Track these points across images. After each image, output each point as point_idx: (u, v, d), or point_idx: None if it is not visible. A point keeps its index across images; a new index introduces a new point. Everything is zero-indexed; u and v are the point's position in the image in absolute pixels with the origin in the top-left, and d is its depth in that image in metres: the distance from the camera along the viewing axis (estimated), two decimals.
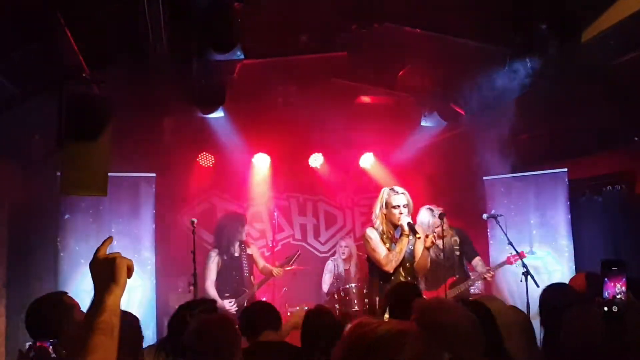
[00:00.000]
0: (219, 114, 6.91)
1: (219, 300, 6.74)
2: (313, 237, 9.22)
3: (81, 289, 6.80)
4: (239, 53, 4.66)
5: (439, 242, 6.35)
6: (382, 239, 5.48)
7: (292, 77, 6.73)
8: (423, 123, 7.32)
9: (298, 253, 7.30)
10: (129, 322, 3.03)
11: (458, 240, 6.73)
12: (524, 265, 5.95)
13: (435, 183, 8.09)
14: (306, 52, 6.07)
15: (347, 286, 7.56)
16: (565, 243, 7.33)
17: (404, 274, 5.43)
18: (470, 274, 6.85)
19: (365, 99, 7.59)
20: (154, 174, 7.29)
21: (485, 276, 6.54)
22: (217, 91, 5.86)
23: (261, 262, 7.24)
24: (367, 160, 8.73)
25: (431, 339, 1.14)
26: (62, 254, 6.82)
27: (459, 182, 8.11)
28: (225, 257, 6.96)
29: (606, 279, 2.21)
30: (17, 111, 5.01)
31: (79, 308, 3.50)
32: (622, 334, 2.11)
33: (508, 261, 6.53)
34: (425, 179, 8.29)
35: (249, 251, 7.15)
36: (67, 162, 4.33)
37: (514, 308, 3.13)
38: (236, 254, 7.04)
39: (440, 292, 6.30)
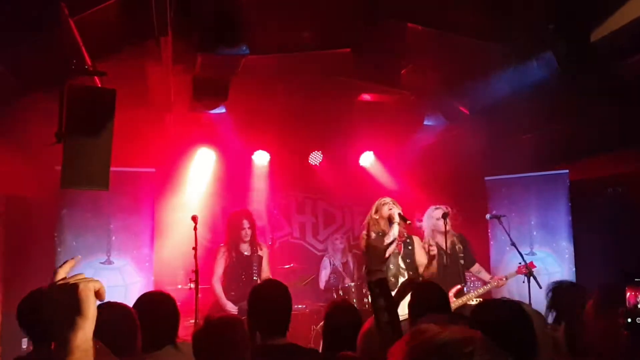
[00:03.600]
0: (220, 109, 6.85)
1: (223, 299, 6.61)
2: (311, 236, 9.18)
3: None
4: (244, 48, 4.60)
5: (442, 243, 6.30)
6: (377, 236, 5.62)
7: (294, 74, 6.66)
8: (426, 122, 7.28)
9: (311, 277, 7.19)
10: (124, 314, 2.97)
11: (462, 247, 6.50)
12: (526, 266, 5.91)
13: (436, 182, 8.05)
14: (309, 48, 6.02)
15: (347, 285, 7.51)
16: (566, 245, 7.32)
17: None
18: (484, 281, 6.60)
19: (368, 96, 7.53)
20: (153, 169, 7.23)
21: (497, 285, 6.34)
22: (219, 87, 5.80)
23: (265, 271, 6.90)
24: (368, 159, 8.68)
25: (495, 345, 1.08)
26: (59, 249, 6.75)
27: (461, 182, 8.06)
28: (233, 255, 6.77)
29: (627, 288, 2.17)
30: (17, 103, 4.94)
31: None
32: None
33: (519, 271, 6.29)
34: (426, 178, 8.25)
35: (260, 253, 6.91)
36: (68, 156, 4.26)
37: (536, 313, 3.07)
38: (246, 253, 6.83)
39: None
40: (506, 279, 6.32)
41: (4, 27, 3.85)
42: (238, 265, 6.75)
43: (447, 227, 6.16)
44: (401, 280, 5.44)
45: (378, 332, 2.49)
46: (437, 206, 6.35)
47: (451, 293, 5.89)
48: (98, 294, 1.40)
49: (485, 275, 6.57)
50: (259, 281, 6.70)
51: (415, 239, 5.87)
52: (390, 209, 5.62)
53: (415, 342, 1.09)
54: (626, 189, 6.94)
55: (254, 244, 6.86)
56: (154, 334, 3.01)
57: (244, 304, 6.40)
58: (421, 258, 5.69)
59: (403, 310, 5.01)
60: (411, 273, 5.53)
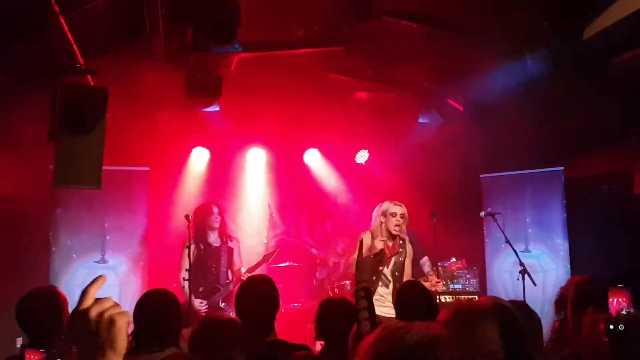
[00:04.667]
0: (214, 107, 6.84)
1: (190, 297, 6.08)
2: (307, 234, 9.16)
3: (73, 283, 6.75)
4: (237, 46, 4.59)
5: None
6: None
7: (288, 72, 6.66)
8: (420, 120, 7.28)
9: (277, 251, 6.84)
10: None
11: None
12: (521, 264, 5.91)
13: (431, 180, 8.04)
14: (302, 46, 6.02)
15: (342, 283, 7.50)
16: (561, 242, 7.31)
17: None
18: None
19: (362, 94, 7.53)
20: (147, 168, 7.21)
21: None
22: (213, 84, 5.79)
23: (237, 264, 6.56)
24: (363, 157, 8.67)
25: (464, 344, 1.08)
26: (53, 248, 6.75)
27: (456, 180, 8.05)
28: (201, 247, 6.40)
29: (610, 293, 2.18)
30: (9, 101, 4.93)
31: (67, 303, 3.41)
32: (628, 350, 2.09)
33: (450, 268, 6.76)
34: (421, 175, 8.24)
35: (230, 244, 6.55)
36: (60, 155, 4.25)
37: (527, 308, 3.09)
38: (215, 245, 6.48)
39: None
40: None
41: None
42: (206, 258, 6.41)
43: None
44: (380, 290, 5.55)
45: (358, 328, 2.77)
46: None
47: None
48: (128, 326, 1.37)
49: (427, 268, 6.84)
50: (229, 274, 6.45)
51: (409, 249, 5.86)
52: (396, 225, 5.67)
53: (382, 343, 1.09)
54: (621, 186, 6.94)
55: (223, 235, 6.56)
56: (156, 333, 2.93)
57: (214, 299, 6.24)
58: (409, 269, 5.79)
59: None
60: (397, 285, 5.43)
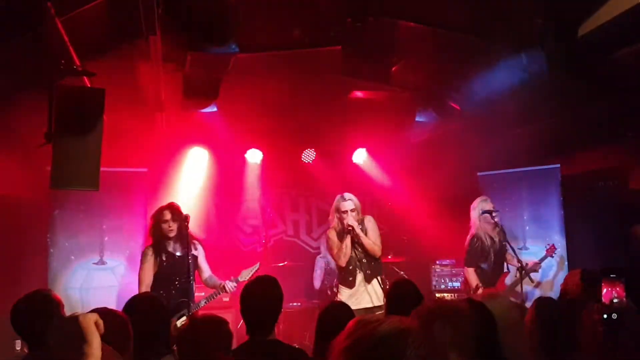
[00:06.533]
0: (211, 108, 6.84)
1: None
2: (305, 233, 9.19)
3: (70, 285, 6.77)
4: (233, 46, 4.59)
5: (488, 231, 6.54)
6: (339, 238, 5.98)
7: (285, 72, 6.66)
8: (417, 118, 7.29)
9: (257, 266, 5.94)
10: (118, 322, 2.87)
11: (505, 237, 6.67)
12: (519, 261, 5.95)
13: (429, 178, 8.07)
14: (299, 46, 6.02)
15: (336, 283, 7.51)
16: (558, 238, 7.35)
17: (362, 270, 5.89)
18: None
19: (359, 94, 7.54)
20: (145, 169, 7.22)
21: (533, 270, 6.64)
22: (210, 85, 5.79)
23: (206, 272, 5.85)
24: (360, 156, 8.69)
25: (434, 338, 1.12)
26: (52, 250, 6.76)
27: (453, 178, 8.09)
28: (163, 257, 5.59)
29: (603, 284, 2.21)
30: (6, 103, 4.93)
31: (63, 306, 3.42)
32: (620, 340, 2.11)
33: (548, 253, 6.62)
34: (419, 174, 8.27)
35: (194, 252, 5.70)
36: (58, 156, 4.25)
37: (518, 306, 3.11)
38: (178, 254, 5.61)
39: (499, 287, 6.34)
40: (540, 263, 6.65)
41: None
42: (170, 269, 5.56)
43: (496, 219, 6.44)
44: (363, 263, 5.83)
45: None
46: (485, 198, 6.61)
47: (503, 278, 6.44)
48: (97, 325, 1.49)
49: (516, 263, 6.59)
50: (193, 286, 5.54)
51: (368, 219, 6.06)
52: (345, 218, 5.88)
53: (354, 335, 1.13)
54: (617, 183, 6.97)
55: (184, 242, 5.53)
56: (151, 343, 2.89)
57: (181, 314, 5.34)
58: (376, 239, 5.95)
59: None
60: (364, 260, 5.87)
